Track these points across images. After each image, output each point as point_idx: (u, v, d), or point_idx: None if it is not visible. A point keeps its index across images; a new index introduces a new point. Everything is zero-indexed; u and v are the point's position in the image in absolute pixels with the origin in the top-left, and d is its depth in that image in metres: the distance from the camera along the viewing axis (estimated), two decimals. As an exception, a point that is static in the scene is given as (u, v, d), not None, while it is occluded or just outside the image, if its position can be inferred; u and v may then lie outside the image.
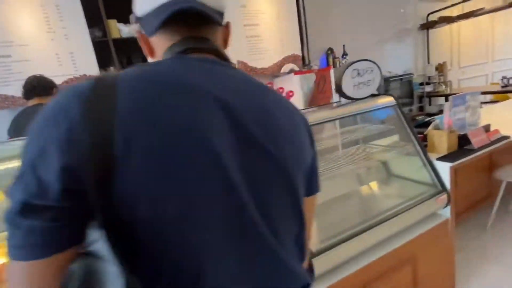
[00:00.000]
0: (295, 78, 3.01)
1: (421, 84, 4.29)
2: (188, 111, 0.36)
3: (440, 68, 4.37)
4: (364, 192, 1.57)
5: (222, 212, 0.37)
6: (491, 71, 5.32)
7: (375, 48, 3.95)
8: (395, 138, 1.57)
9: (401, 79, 3.73)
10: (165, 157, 0.33)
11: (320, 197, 1.49)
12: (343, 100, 1.49)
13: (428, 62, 4.42)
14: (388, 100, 1.44)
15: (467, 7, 4.23)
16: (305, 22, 2.87)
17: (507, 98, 4.27)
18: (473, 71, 5.10)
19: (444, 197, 1.28)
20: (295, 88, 3.04)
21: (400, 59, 4.23)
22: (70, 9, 1.96)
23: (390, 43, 4.10)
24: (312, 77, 3.22)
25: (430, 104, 4.50)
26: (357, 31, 3.77)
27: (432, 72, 4.27)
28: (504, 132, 1.62)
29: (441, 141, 1.38)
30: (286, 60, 2.78)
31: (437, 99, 4.54)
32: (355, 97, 1.43)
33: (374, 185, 1.61)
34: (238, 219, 0.38)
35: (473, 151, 1.36)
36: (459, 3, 4.12)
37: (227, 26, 0.52)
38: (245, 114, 0.40)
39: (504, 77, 3.69)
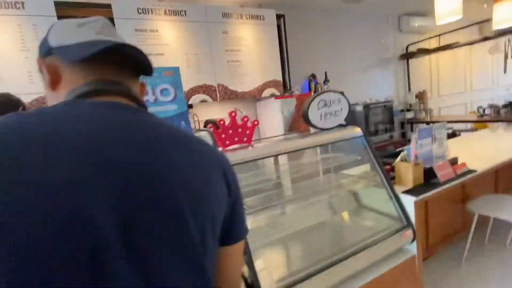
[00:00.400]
0: (276, 103, 3.05)
1: (402, 111, 4.41)
2: (42, 163, 0.32)
3: (420, 96, 4.52)
4: (331, 224, 1.53)
5: (83, 271, 0.33)
6: (470, 100, 5.54)
7: (357, 76, 4.08)
8: (365, 168, 1.57)
9: (384, 106, 3.83)
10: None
11: (285, 229, 1.45)
12: (312, 129, 1.49)
13: (409, 90, 4.58)
14: (356, 131, 1.44)
15: (443, 40, 4.47)
16: (287, 49, 2.96)
17: (486, 126, 4.42)
18: (453, 99, 5.31)
19: (409, 232, 1.25)
20: (275, 112, 3.06)
21: (382, 86, 4.37)
22: (47, 28, 1.96)
23: (372, 71, 4.25)
24: (292, 102, 3.25)
25: (412, 130, 4.60)
26: (339, 58, 3.90)
27: (413, 100, 4.42)
28: (472, 165, 1.63)
29: (407, 173, 1.37)
30: (267, 85, 2.82)
31: (419, 125, 4.65)
32: (322, 127, 1.43)
33: (342, 216, 1.57)
34: (105, 279, 0.34)
35: (438, 185, 1.35)
36: (435, 36, 4.35)
37: (143, 84, 0.54)
38: (131, 163, 0.38)
39: (480, 107, 3.83)
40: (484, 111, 3.73)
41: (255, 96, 2.78)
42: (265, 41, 2.77)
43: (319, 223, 1.49)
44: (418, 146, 1.46)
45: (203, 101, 2.50)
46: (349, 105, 1.51)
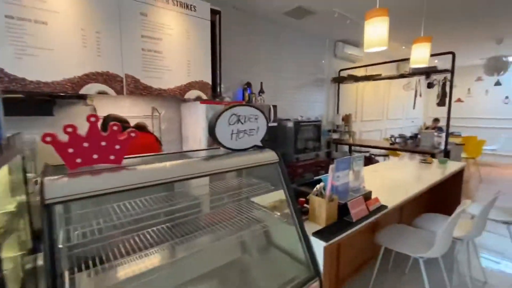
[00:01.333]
0: (201, 107, 2.67)
1: (329, 131, 4.62)
2: None
3: (346, 119, 4.83)
4: (234, 269, 1.25)
5: None
6: (384, 127, 6.27)
7: (292, 92, 4.08)
8: (280, 195, 1.35)
9: (314, 124, 3.88)
10: None
11: (173, 279, 1.10)
12: (223, 149, 1.19)
13: (337, 112, 4.85)
14: (271, 155, 1.21)
15: (370, 71, 4.91)
16: (220, 50, 2.66)
17: (398, 154, 4.99)
18: (372, 125, 5.90)
19: (315, 285, 1.05)
20: (199, 118, 2.68)
21: (314, 105, 4.49)
22: None
23: (306, 90, 4.32)
24: (220, 108, 2.91)
25: (336, 150, 4.87)
26: (277, 71, 3.82)
27: (339, 122, 4.67)
28: (384, 198, 1.60)
29: (320, 210, 1.20)
30: (192, 85, 2.45)
31: (343, 146, 4.97)
32: (231, 147, 1.15)
33: (247, 258, 1.31)
34: None
35: (351, 225, 1.22)
36: (363, 66, 4.74)
37: None
38: None
39: (392, 136, 4.27)
40: (395, 139, 4.15)
41: (176, 96, 2.37)
42: (194, 35, 2.41)
43: (219, 268, 1.19)
44: (335, 178, 1.31)
45: (103, 92, 1.97)
46: (268, 124, 1.27)
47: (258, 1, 3.05)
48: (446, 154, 3.63)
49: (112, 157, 0.87)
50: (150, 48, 2.15)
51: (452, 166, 2.68)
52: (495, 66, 4.55)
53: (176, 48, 2.30)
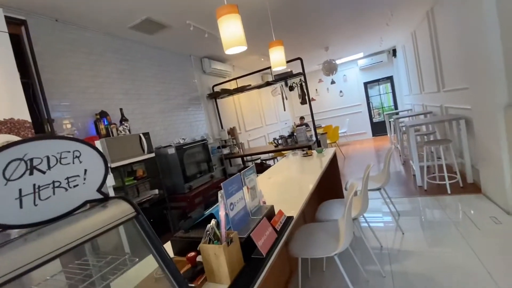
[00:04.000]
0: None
1: (219, 147, 4.42)
2: None
3: (232, 132, 4.79)
4: None
5: None
6: (266, 132, 6.75)
7: (167, 115, 3.60)
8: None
9: (200, 144, 3.54)
10: None
11: None
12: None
13: (222, 127, 4.73)
14: (120, 211, 0.74)
15: (240, 83, 5.10)
16: (37, 72, 1.87)
17: (282, 154, 5.36)
18: (256, 133, 6.19)
19: None
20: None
21: (196, 125, 4.17)
22: None
23: (183, 110, 3.95)
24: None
25: (231, 165, 4.72)
26: (142, 94, 3.25)
27: (226, 136, 4.56)
28: (285, 205, 1.42)
29: (219, 262, 0.83)
30: (-9, 128, 1.57)
31: (236, 159, 4.89)
32: (21, 222, 0.61)
33: None
34: None
35: (263, 262, 0.91)
36: (233, 79, 4.86)
37: None
38: None
39: (274, 138, 4.51)
40: (278, 141, 4.41)
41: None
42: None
43: None
44: (229, 207, 0.98)
45: None
46: (105, 162, 0.80)
47: (88, 15, 2.43)
48: (319, 143, 4.14)
49: None
50: None
51: (328, 153, 2.97)
52: (329, 68, 5.72)
53: None
